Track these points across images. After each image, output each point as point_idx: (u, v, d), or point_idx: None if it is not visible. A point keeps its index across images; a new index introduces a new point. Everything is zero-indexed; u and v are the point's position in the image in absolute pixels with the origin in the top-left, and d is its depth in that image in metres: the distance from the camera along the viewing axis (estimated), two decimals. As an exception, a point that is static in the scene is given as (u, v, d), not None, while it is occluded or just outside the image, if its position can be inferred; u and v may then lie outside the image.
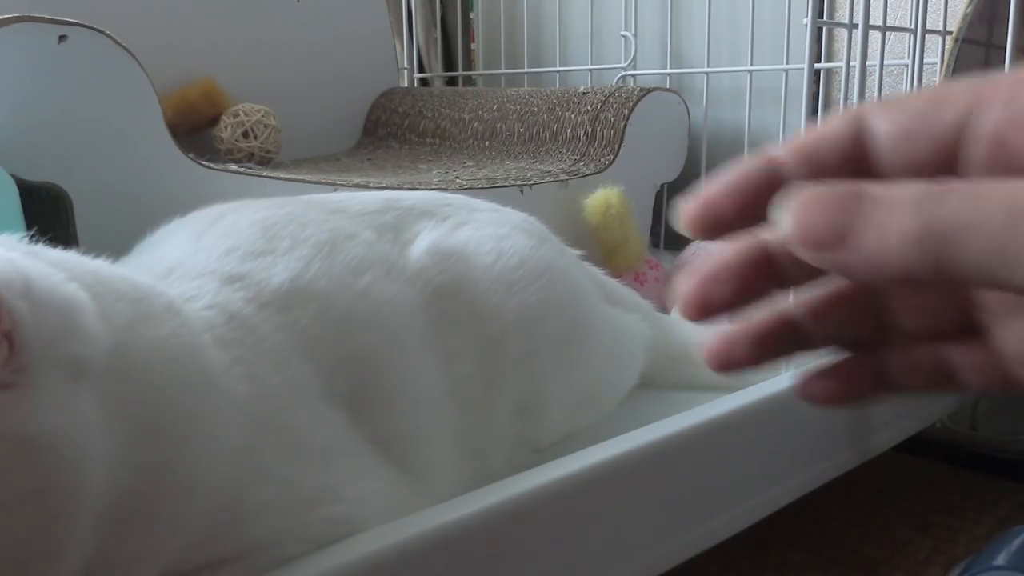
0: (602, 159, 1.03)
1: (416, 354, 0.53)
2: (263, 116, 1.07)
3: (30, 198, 0.55)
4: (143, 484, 0.36)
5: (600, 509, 0.51)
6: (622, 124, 1.04)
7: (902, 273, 0.22)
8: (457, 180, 0.93)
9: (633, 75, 1.27)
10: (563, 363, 0.61)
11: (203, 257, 0.50)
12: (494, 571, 0.46)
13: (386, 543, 0.42)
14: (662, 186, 1.12)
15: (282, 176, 0.80)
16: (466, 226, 0.63)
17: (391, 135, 1.26)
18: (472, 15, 1.50)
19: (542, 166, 1.03)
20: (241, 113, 1.06)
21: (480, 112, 1.18)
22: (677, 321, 0.79)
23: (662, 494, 0.55)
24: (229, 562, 0.40)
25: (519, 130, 1.12)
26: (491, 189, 0.90)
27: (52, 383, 0.33)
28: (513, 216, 0.67)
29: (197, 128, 1.09)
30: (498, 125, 1.15)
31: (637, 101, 1.05)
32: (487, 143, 1.15)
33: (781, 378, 0.63)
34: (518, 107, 1.14)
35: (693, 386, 0.72)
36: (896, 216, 0.22)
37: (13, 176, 0.54)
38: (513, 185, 0.93)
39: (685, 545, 0.58)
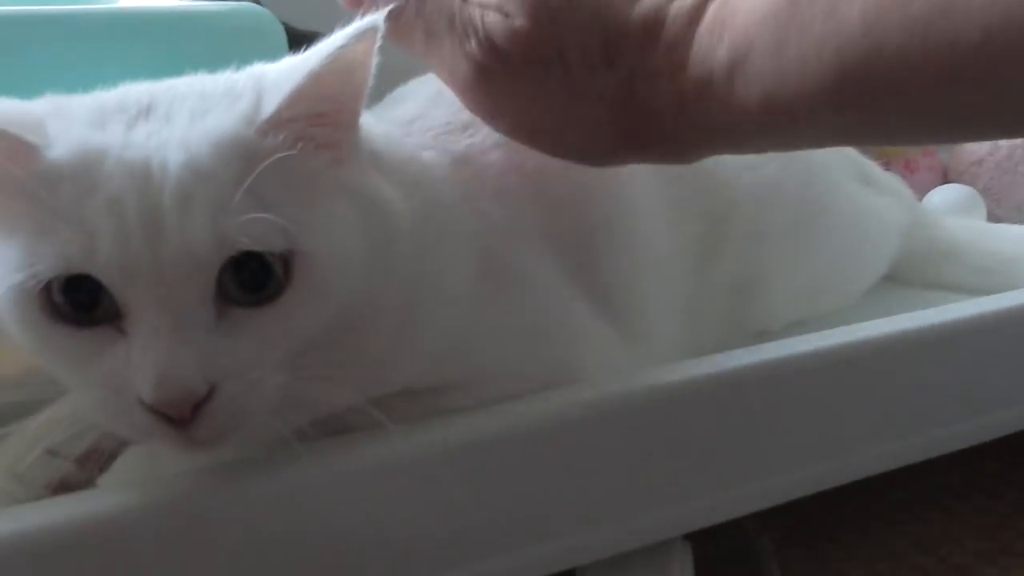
0: None
1: (643, 212, 0.52)
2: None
3: (298, 45, 0.58)
4: (415, 268, 0.40)
5: (820, 396, 0.49)
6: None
7: None
8: None
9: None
10: (793, 246, 0.58)
11: (444, 108, 0.52)
12: (704, 437, 0.46)
13: (605, 393, 0.43)
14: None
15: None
16: None
17: None
18: None
19: None
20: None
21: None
22: (940, 214, 0.72)
23: (890, 392, 0.52)
24: (453, 388, 0.42)
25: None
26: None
27: (367, 165, 0.39)
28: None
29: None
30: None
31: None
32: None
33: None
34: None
35: (950, 287, 0.66)
36: None
37: (283, 23, 0.58)
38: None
39: (917, 447, 0.54)
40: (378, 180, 0.39)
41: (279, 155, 0.34)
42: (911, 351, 0.52)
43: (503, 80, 0.40)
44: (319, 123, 0.36)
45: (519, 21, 0.39)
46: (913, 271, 0.69)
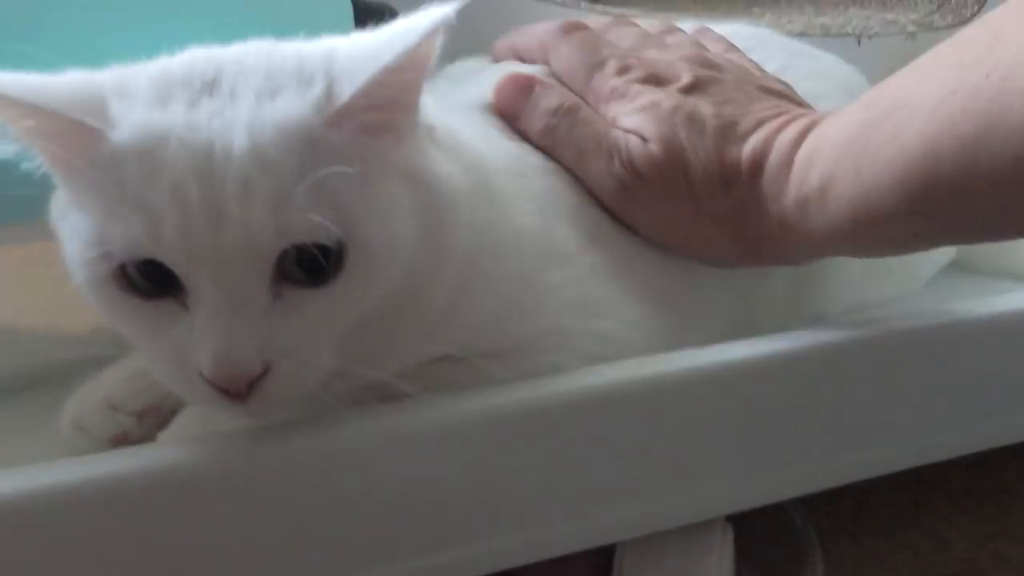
0: (963, 10, 0.91)
1: None
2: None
3: (363, 15, 0.59)
4: (475, 240, 0.41)
5: (873, 381, 0.48)
6: (994, -32, 0.90)
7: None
8: (788, 25, 0.87)
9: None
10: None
11: None
12: (749, 418, 0.46)
13: (649, 371, 0.43)
14: (1035, 46, 0.96)
15: (611, 9, 0.80)
16: (785, 73, 0.59)
17: (732, -27, 1.19)
18: None
19: (890, 15, 0.93)
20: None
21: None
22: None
23: (948, 381, 0.51)
24: (503, 355, 0.43)
25: (871, -26, 1.01)
26: (824, 38, 0.83)
27: (425, 142, 0.39)
28: (838, 69, 0.62)
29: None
30: (848, -33, 1.04)
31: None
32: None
33: None
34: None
35: (1020, 275, 0.64)
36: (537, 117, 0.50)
37: (351, -5, 0.58)
38: (850, 35, 0.85)
39: (973, 438, 0.53)
40: (435, 155, 0.40)
41: (343, 146, 0.35)
42: (973, 338, 0.51)
43: (642, 194, 0.47)
44: (384, 109, 0.37)
45: (654, 147, 0.47)
46: (981, 257, 0.67)
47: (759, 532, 0.50)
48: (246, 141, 0.34)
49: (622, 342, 0.45)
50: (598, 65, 0.51)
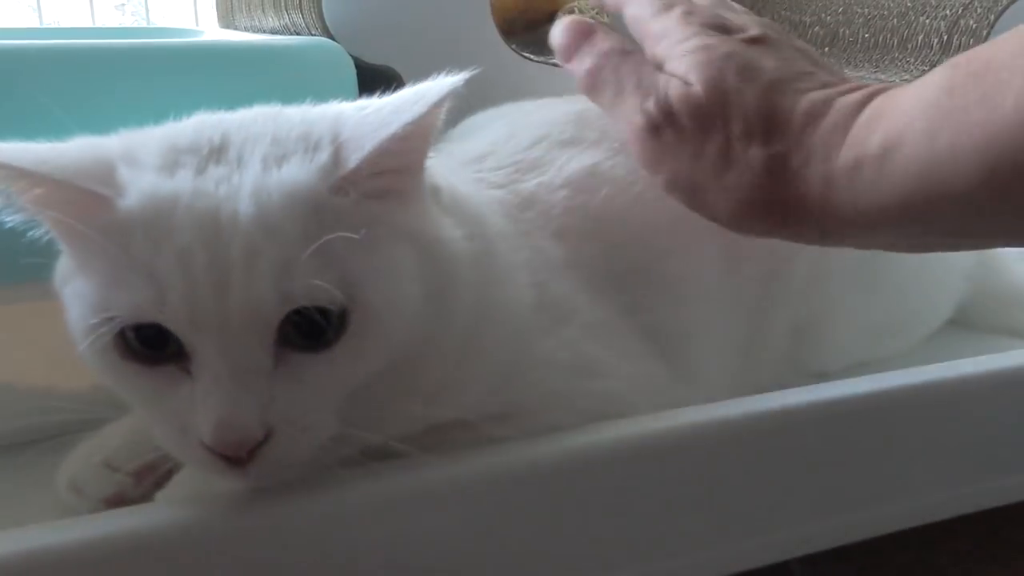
0: (956, 71, 0.93)
1: (699, 250, 0.52)
2: (596, 13, 1.07)
3: (367, 79, 0.60)
4: (474, 304, 0.41)
5: (876, 439, 0.48)
6: (984, 32, 0.92)
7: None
8: (784, 86, 0.88)
9: (1013, -23, 1.11)
10: (855, 289, 0.58)
11: (513, 146, 0.53)
12: (749, 477, 0.45)
13: (656, 429, 0.43)
14: (1027, 106, 0.98)
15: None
16: None
17: (726, 37, 1.21)
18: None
19: (884, 76, 0.95)
20: (576, 9, 1.08)
21: (823, 15, 1.09)
22: (1013, 259, 0.70)
23: (951, 438, 0.51)
24: (505, 417, 0.42)
25: (864, 36, 1.03)
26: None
27: (429, 203, 0.40)
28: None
29: (536, 23, 1.12)
30: (841, 30, 1.06)
31: (1007, 6, 0.92)
32: (827, 49, 1.07)
33: None
34: (866, 10, 1.04)
35: (1018, 332, 0.64)
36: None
37: (353, 57, 0.60)
38: (845, 95, 0.86)
39: (978, 496, 0.53)
40: (439, 219, 0.40)
41: (349, 211, 0.35)
42: (973, 396, 0.51)
43: (670, 137, 0.43)
44: (391, 174, 0.37)
45: (696, 88, 0.42)
46: (980, 315, 0.67)
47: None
48: (252, 208, 0.34)
49: (622, 401, 0.45)
50: (666, 7, 0.47)
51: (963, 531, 0.55)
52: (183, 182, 0.35)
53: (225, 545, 0.36)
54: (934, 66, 0.93)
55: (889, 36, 1.00)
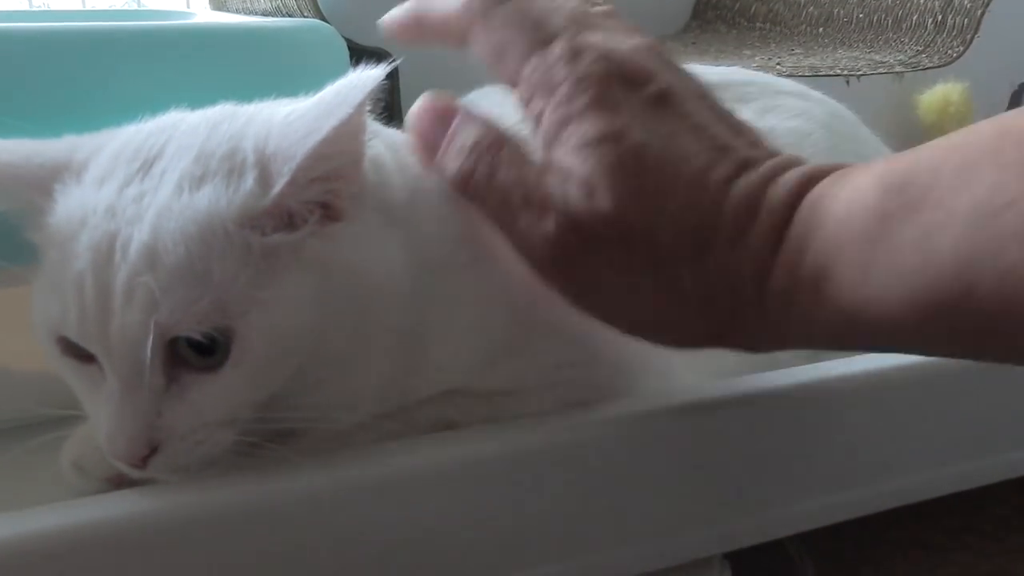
0: (949, 51, 0.93)
1: None
2: (590, -7, 1.07)
3: (360, 61, 0.60)
4: (429, 315, 0.40)
5: (868, 418, 0.49)
6: (979, 11, 0.92)
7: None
8: (778, 67, 0.88)
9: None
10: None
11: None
12: (746, 455, 0.46)
13: (645, 409, 0.43)
14: (1020, 86, 0.98)
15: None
16: (771, 113, 0.60)
17: (720, 18, 1.21)
18: None
19: (878, 56, 0.95)
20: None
21: (816, -6, 1.10)
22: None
23: (943, 417, 0.51)
24: (504, 394, 0.43)
25: (858, 16, 1.03)
26: (813, 78, 0.84)
27: (373, 224, 0.39)
28: (822, 106, 0.63)
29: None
30: (835, 10, 1.06)
31: (1002, -15, 0.92)
32: (820, 29, 1.07)
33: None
34: (860, -10, 1.05)
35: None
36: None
37: (346, 39, 0.59)
38: (839, 75, 0.86)
39: (970, 474, 0.53)
40: (377, 236, 0.39)
41: (246, 244, 0.35)
42: (964, 376, 0.51)
43: (579, 262, 0.37)
44: (320, 181, 0.37)
45: (604, 204, 0.35)
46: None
47: (757, 569, 0.50)
48: (146, 236, 0.35)
49: (608, 386, 0.45)
50: (540, 43, 0.38)
51: (958, 507, 0.56)
52: (102, 199, 0.36)
53: (223, 525, 0.36)
54: (928, 46, 0.93)
55: (884, 16, 1.00)
